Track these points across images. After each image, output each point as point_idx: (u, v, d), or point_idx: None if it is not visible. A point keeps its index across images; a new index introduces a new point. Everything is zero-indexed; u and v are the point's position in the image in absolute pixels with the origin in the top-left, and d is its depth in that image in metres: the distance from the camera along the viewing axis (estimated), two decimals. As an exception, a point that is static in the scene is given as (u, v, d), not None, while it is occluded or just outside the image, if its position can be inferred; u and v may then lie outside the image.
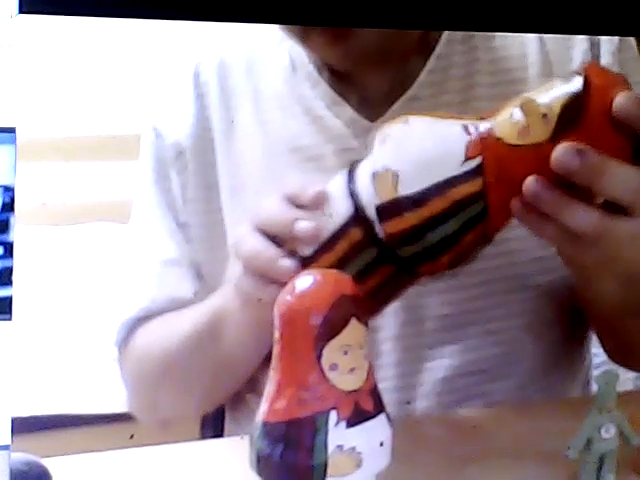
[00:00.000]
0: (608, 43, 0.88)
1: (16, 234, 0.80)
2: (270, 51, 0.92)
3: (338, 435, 0.55)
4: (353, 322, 0.55)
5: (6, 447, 0.65)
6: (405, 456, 0.59)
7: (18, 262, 0.78)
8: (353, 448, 0.55)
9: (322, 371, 0.54)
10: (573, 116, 0.58)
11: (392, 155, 0.64)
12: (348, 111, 0.87)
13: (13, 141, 0.80)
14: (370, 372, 0.57)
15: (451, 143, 0.63)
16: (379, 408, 0.57)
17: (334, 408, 0.54)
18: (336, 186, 0.67)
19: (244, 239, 0.70)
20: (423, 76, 0.87)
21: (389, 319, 0.86)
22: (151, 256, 0.92)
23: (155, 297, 0.89)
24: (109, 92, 1.81)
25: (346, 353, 0.55)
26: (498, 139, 0.60)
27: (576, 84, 0.58)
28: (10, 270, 0.78)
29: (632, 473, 0.65)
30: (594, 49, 0.88)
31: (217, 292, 0.82)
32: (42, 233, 1.77)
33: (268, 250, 0.68)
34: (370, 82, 0.87)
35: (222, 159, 0.91)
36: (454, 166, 0.62)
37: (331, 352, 0.54)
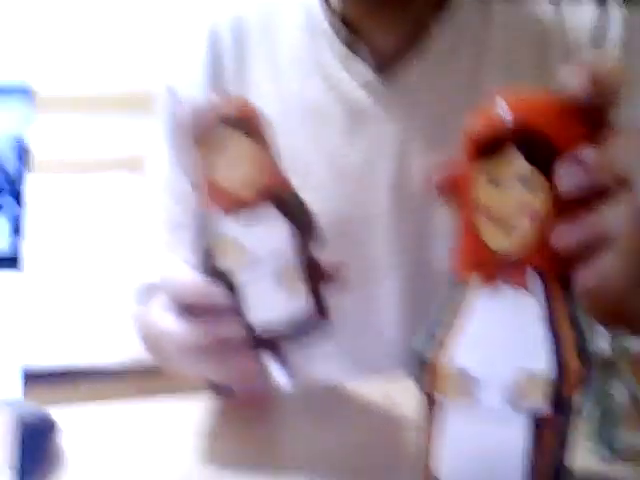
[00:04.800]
0: (617, 9, 0.87)
1: (29, 186, 0.80)
2: (286, 9, 0.92)
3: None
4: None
5: (15, 398, 0.65)
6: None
7: (29, 213, 0.78)
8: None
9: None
10: None
11: None
12: (362, 71, 0.86)
13: (29, 94, 0.79)
14: None
15: None
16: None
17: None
18: None
19: None
20: (436, 35, 0.86)
21: (395, 275, 0.86)
22: (160, 220, 0.92)
23: (164, 261, 0.89)
24: (123, 50, 1.81)
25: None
26: None
27: None
28: (22, 221, 0.78)
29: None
30: (603, 16, 0.87)
31: None
32: (55, 184, 1.77)
33: None
34: (383, 39, 0.86)
35: None
36: None
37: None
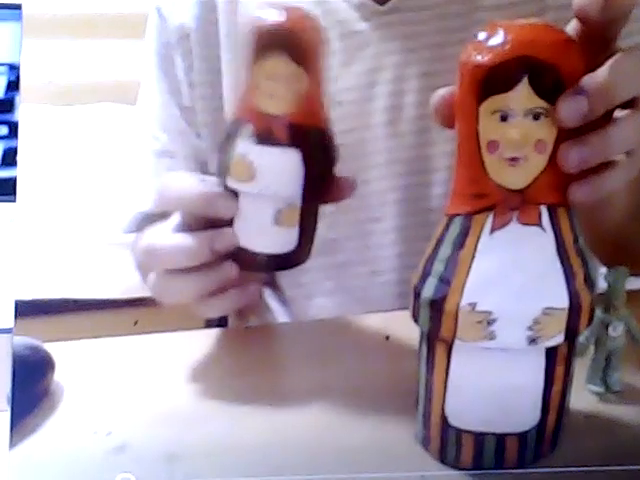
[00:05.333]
0: None
1: (21, 114, 0.79)
2: None
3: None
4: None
5: (9, 330, 0.65)
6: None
7: (23, 142, 0.77)
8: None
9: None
10: None
11: None
12: None
13: (19, 18, 0.78)
14: None
15: None
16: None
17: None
18: None
19: None
20: None
21: (392, 209, 0.85)
22: (146, 147, 0.91)
23: (152, 188, 0.88)
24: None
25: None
26: None
27: None
28: (15, 151, 0.77)
29: (639, 372, 0.64)
30: None
31: None
32: (47, 113, 1.75)
33: None
34: None
35: (225, 42, 0.88)
36: None
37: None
